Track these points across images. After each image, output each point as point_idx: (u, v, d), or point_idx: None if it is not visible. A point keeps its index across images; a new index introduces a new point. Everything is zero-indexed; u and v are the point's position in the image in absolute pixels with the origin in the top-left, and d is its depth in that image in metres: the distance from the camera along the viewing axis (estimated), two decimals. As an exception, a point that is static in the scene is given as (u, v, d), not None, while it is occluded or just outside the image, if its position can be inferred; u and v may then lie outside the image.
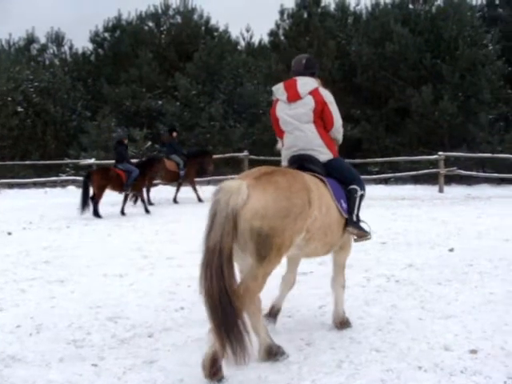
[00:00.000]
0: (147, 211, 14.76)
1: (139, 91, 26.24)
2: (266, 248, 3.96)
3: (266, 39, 29.32)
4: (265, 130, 23.80)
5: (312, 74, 5.09)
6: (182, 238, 10.34)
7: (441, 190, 19.67)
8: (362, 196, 4.96)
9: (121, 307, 5.90)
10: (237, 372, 4.08)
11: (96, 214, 13.81)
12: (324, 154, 4.97)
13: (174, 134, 18.33)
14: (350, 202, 4.85)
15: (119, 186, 14.69)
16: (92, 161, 21.53)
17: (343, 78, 24.93)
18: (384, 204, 15.86)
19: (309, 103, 4.88)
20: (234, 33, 32.57)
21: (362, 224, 4.99)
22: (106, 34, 31.10)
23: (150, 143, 24.33)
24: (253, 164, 21.20)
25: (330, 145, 5.09)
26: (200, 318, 5.45)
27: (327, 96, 5.01)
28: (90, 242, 10.24)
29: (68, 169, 24.48)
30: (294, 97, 4.92)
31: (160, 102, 26.04)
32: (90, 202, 13.80)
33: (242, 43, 29.79)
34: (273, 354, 4.29)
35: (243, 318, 3.94)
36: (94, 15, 36.63)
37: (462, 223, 11.54)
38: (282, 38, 27.47)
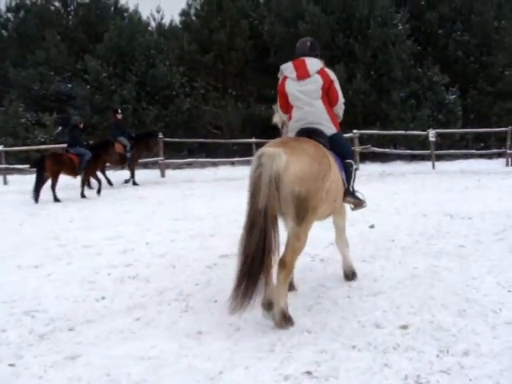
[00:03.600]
0: (99, 192, 14.82)
1: (47, 74, 25.34)
2: (304, 209, 4.42)
3: (177, 20, 28.81)
4: (178, 112, 23.51)
5: (316, 56, 5.57)
6: (98, 225, 10.02)
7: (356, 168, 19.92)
8: (355, 169, 5.58)
9: (38, 300, 5.57)
10: (167, 362, 3.93)
11: (55, 199, 13.93)
12: (329, 129, 5.42)
13: (119, 115, 17.97)
14: (346, 174, 5.39)
15: (72, 171, 14.72)
16: (0, 148, 20.55)
17: (256, 58, 24.90)
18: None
19: (318, 81, 5.35)
20: (145, 13, 31.73)
21: (357, 194, 5.65)
22: (10, 15, 29.69)
23: (60, 128, 23.59)
24: (167, 146, 20.91)
25: (334, 120, 5.55)
26: (123, 308, 5.25)
27: (332, 75, 5.48)
28: (1, 232, 9.73)
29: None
30: (303, 75, 5.36)
31: (70, 86, 25.25)
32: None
33: (153, 24, 29.11)
34: (287, 319, 4.56)
35: (261, 284, 4.33)
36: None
37: (380, 200, 11.68)
38: (194, 18, 27.07)
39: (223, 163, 22.68)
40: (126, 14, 29.42)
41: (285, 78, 5.49)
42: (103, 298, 5.59)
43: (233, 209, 11.18)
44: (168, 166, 21.38)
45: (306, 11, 22.76)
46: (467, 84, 24.31)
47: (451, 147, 22.31)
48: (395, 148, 23.58)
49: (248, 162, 21.54)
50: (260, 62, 24.81)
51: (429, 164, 20.46)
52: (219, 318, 4.86)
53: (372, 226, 8.78)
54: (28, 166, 18.56)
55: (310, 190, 4.42)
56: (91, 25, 28.04)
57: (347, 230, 8.51)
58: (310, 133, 5.25)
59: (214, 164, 22.67)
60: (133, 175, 17.72)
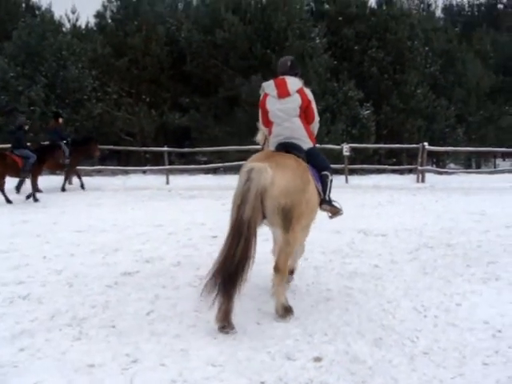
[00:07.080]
0: (36, 200, 14.28)
1: (-51, 72, 23.87)
2: (289, 219, 4.85)
3: (93, 22, 27.88)
4: (89, 117, 22.65)
5: (295, 74, 5.90)
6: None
7: (270, 180, 19.69)
8: (331, 180, 5.83)
9: None
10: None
11: None
12: (306, 144, 5.76)
13: (60, 120, 17.68)
14: (323, 185, 5.70)
15: (16, 173, 14.53)
16: None
17: (172, 65, 24.41)
18: (213, 194, 15.53)
19: (297, 100, 5.69)
20: (58, 13, 30.47)
21: (334, 203, 5.90)
22: None
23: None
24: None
25: (311, 136, 5.87)
26: (7, 335, 4.69)
27: (310, 95, 5.83)
28: None
29: None
30: (283, 94, 5.70)
31: (-27, 85, 23.89)
32: None
33: (68, 25, 27.98)
34: (288, 311, 5.10)
35: (241, 287, 4.59)
36: None
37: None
38: (110, 20, 26.31)
39: (134, 171, 21.97)
40: (38, 12, 28.22)
41: (266, 95, 5.83)
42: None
43: (141, 221, 10.67)
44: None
45: (225, 20, 22.45)
46: (381, 100, 24.62)
47: (364, 162, 22.47)
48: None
49: (160, 171, 21.03)
50: (176, 70, 24.31)
51: (342, 178, 20.47)
52: (115, 347, 4.38)
53: (285, 243, 8.47)
54: None
55: (294, 202, 4.84)
56: (0, 22, 26.74)
57: (259, 246, 8.24)
58: (288, 147, 5.61)
59: (125, 172, 21.94)
60: (65, 180, 17.53)
